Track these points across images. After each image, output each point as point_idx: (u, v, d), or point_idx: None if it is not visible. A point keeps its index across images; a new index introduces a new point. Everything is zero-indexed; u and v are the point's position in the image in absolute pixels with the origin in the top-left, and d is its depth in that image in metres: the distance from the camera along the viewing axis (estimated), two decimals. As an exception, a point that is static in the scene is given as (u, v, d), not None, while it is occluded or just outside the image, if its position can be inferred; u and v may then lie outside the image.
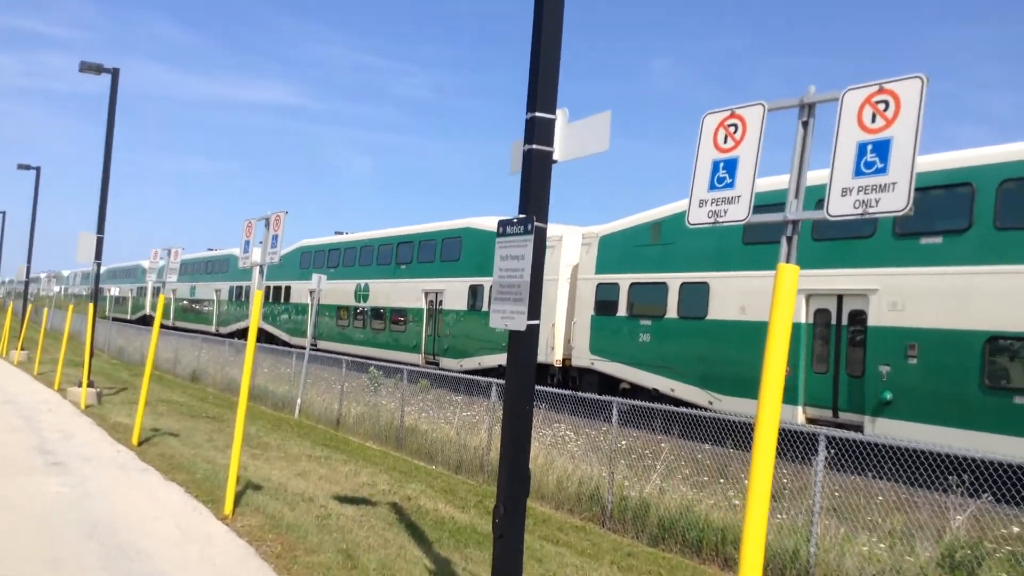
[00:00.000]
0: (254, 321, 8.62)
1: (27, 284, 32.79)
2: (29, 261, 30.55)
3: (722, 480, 11.58)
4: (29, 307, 31.72)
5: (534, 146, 5.49)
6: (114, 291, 60.60)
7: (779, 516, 9.39)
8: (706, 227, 4.54)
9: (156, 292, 58.43)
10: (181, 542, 7.27)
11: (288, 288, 39.24)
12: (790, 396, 16.15)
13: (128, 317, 60.64)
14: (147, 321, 56.00)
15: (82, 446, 11.87)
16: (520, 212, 5.51)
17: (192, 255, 53.10)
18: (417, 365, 27.46)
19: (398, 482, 11.91)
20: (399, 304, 30.68)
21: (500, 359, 24.81)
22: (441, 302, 28.26)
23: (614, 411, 11.15)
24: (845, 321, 15.63)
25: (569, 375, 22.59)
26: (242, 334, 41.93)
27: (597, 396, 11.82)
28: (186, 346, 30.01)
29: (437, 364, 27.73)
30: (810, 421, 15.84)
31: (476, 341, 26.11)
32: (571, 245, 22.84)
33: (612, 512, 10.92)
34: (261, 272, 8.62)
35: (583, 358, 21.66)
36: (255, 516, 8.31)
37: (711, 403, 17.64)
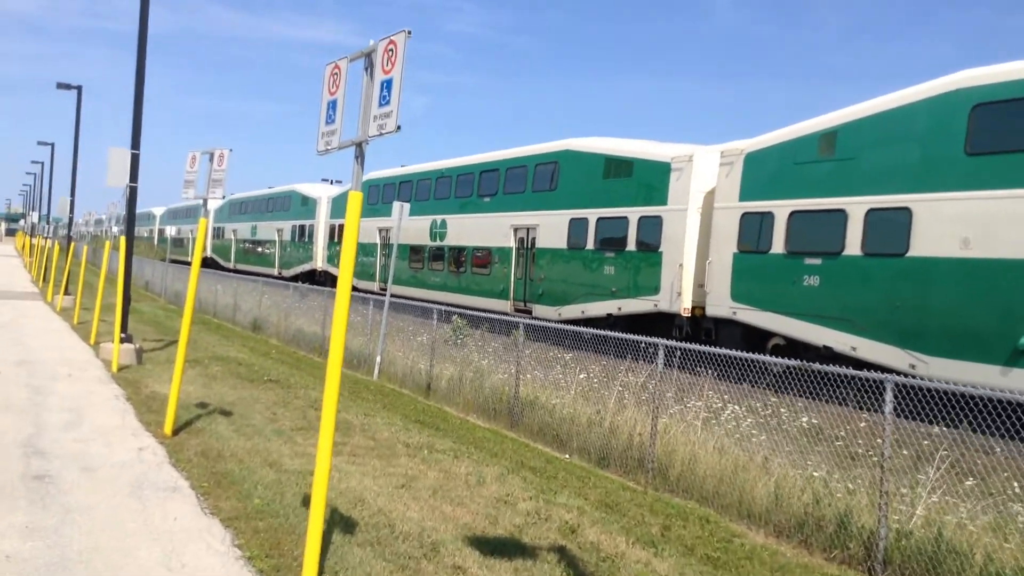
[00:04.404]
0: (346, 270, 4.84)
1: (71, 219, 29.66)
2: (73, 193, 27.46)
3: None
4: (71, 245, 28.67)
5: None
6: (171, 231, 58.09)
7: None
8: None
9: (218, 232, 55.65)
10: None
11: (355, 226, 35.68)
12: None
13: (188, 259, 58.14)
14: (208, 264, 53.36)
15: (90, 440, 8.33)
16: None
17: (252, 192, 50.01)
18: (504, 313, 23.73)
19: (540, 492, 8.18)
20: (482, 243, 26.82)
21: (609, 306, 20.87)
22: (534, 240, 24.29)
23: (888, 394, 7.11)
24: None
25: (702, 327, 18.55)
26: (306, 277, 38.73)
27: (824, 367, 7.74)
28: (246, 290, 26.69)
29: (529, 312, 23.92)
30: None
31: (578, 285, 22.14)
32: (705, 166, 18.57)
33: (887, 555, 7.00)
34: (359, 159, 4.73)
35: (721, 306, 17.58)
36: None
37: (913, 367, 13.49)
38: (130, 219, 15.33)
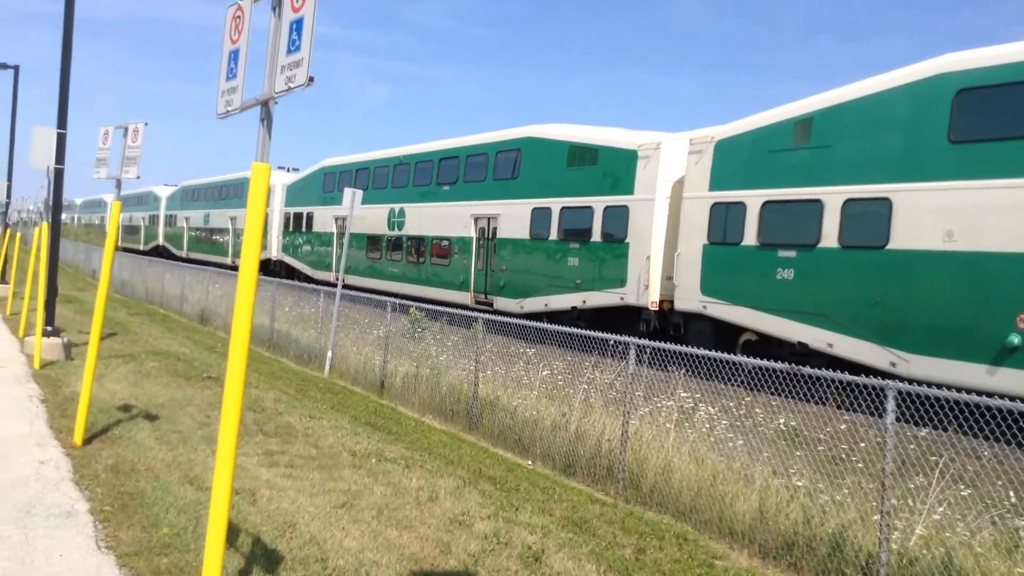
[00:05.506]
0: (249, 252, 3.91)
1: (7, 204, 28.13)
2: (10, 178, 26.00)
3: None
4: (8, 233, 27.20)
5: None
6: (122, 217, 56.18)
7: None
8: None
9: (170, 220, 53.93)
10: None
11: (310, 215, 34.47)
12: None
13: (141, 248, 56.32)
14: (161, 253, 51.65)
15: (-13, 450, 7.29)
16: None
17: (205, 179, 48.42)
18: (465, 306, 22.84)
19: (500, 508, 7.31)
20: (442, 232, 25.86)
21: (574, 299, 20.05)
22: (495, 230, 23.38)
23: (890, 403, 6.32)
24: None
25: (670, 321, 17.80)
26: (261, 266, 37.38)
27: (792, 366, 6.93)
28: (194, 280, 25.45)
29: (490, 305, 23.04)
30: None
31: (541, 277, 21.29)
32: (673, 154, 17.79)
33: (889, 582, 6.23)
34: (265, 121, 3.79)
35: (691, 300, 16.85)
36: None
37: (894, 365, 12.84)
38: (56, 203, 14.14)
